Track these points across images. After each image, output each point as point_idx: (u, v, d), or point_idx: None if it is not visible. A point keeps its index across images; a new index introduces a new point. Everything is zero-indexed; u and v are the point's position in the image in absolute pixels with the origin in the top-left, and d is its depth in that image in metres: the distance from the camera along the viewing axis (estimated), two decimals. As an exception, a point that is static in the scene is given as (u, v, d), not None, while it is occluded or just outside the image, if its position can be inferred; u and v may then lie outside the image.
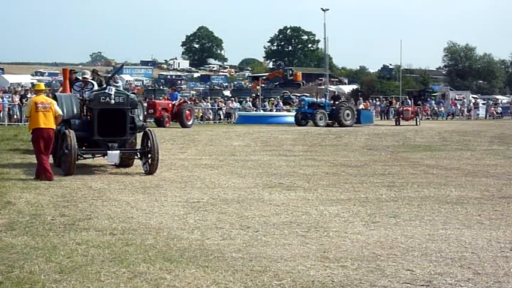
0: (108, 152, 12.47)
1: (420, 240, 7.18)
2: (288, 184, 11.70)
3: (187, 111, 29.20)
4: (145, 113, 27.62)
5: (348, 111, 31.85)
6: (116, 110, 12.70)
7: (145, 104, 26.65)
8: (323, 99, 33.68)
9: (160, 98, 32.42)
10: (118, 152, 12.53)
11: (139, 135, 13.64)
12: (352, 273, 5.82)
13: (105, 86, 13.53)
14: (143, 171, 12.85)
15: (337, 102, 33.15)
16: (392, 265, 6.10)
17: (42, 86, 13.10)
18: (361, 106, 38.39)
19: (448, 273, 5.83)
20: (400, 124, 34.09)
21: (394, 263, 6.18)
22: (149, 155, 12.68)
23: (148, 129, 13.10)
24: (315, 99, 33.53)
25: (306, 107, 32.64)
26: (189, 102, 34.62)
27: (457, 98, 55.55)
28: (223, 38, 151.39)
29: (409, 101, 40.58)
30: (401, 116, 35.33)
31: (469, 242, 7.09)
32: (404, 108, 36.28)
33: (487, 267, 6.09)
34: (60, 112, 12.14)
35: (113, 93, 12.68)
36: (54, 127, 11.86)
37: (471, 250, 6.74)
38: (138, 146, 13.46)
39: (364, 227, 7.91)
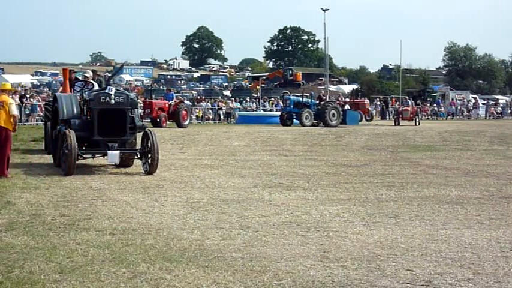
0: (108, 152, 12.47)
1: (420, 240, 7.18)
2: (288, 184, 11.70)
3: (184, 111, 29.24)
4: (142, 113, 27.72)
5: (333, 111, 31.61)
6: (116, 110, 12.70)
7: (140, 104, 26.78)
8: (309, 99, 33.25)
9: (158, 98, 32.43)
10: (118, 152, 12.53)
11: (139, 135, 13.64)
12: (352, 273, 5.82)
13: (105, 86, 13.53)
14: (143, 171, 12.86)
15: (322, 102, 32.84)
16: (392, 265, 6.10)
17: (8, 86, 12.94)
18: (347, 106, 38.41)
19: (448, 273, 5.83)
20: (400, 124, 34.01)
21: (394, 263, 6.18)
22: (149, 155, 12.68)
23: (148, 129, 13.11)
24: (300, 99, 33.05)
25: (292, 106, 32.25)
26: (188, 103, 34.60)
27: (457, 98, 55.51)
28: (223, 38, 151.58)
29: (409, 101, 40.49)
30: (401, 116, 35.20)
31: (469, 242, 7.09)
32: (404, 108, 36.09)
33: (487, 267, 6.09)
34: (15, 113, 12.18)
35: (113, 93, 12.69)
36: (4, 125, 11.88)
37: (471, 250, 6.74)
38: (138, 146, 13.46)
39: (364, 227, 7.91)
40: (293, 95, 35.36)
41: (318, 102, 33.16)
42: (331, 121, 31.17)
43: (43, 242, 6.81)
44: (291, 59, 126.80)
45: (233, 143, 20.96)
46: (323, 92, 41.11)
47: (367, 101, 43.52)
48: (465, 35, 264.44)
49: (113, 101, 12.61)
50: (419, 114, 37.07)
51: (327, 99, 35.20)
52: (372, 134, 25.81)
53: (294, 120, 31.87)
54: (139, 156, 12.99)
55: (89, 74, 15.42)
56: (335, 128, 29.28)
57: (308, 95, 34.63)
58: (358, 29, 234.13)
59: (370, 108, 40.91)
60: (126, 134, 12.91)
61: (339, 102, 39.19)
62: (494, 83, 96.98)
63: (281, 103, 45.91)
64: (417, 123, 34.13)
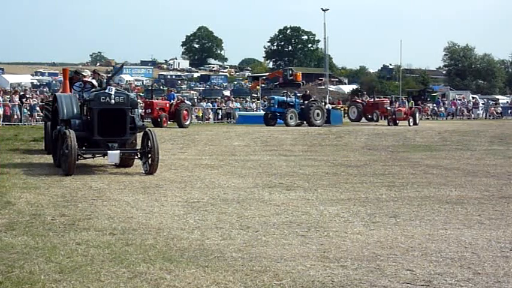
0: (108, 152, 12.45)
1: (420, 240, 7.18)
2: (288, 184, 11.70)
3: (185, 111, 29.24)
4: (143, 113, 27.73)
5: (318, 111, 31.45)
6: (116, 110, 12.67)
7: (141, 104, 26.80)
8: (293, 98, 32.85)
9: (159, 98, 32.41)
10: (118, 152, 12.51)
11: (139, 135, 13.63)
12: (352, 273, 5.82)
13: (105, 86, 13.50)
14: (143, 171, 12.85)
15: (306, 102, 32.56)
16: (392, 265, 6.09)
17: None
18: (328, 106, 38.25)
19: (448, 273, 5.83)
20: (397, 124, 33.53)
21: (394, 263, 6.18)
22: (149, 155, 12.67)
23: (149, 129, 13.09)
24: (284, 98, 32.66)
25: (276, 106, 31.92)
26: (189, 103, 34.59)
27: (457, 98, 55.52)
28: (223, 38, 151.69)
29: (405, 102, 40.25)
30: (394, 116, 34.40)
31: (469, 242, 7.09)
32: (397, 109, 35.35)
33: (487, 267, 6.09)
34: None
35: (113, 93, 12.67)
36: None
37: (471, 250, 6.73)
38: (138, 146, 13.45)
39: (364, 227, 7.91)
40: (293, 95, 35.22)
41: (302, 101, 32.80)
42: (316, 120, 31.05)
43: (43, 242, 6.81)
44: (291, 59, 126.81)
45: (233, 143, 20.96)
46: (308, 91, 40.38)
47: (386, 100, 42.19)
48: (465, 35, 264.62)
49: (113, 101, 12.59)
50: (417, 114, 36.24)
51: (313, 99, 34.71)
52: (372, 134, 25.80)
53: (278, 120, 31.53)
54: (139, 156, 12.98)
55: (87, 73, 15.38)
56: (335, 128, 29.22)
57: (292, 94, 34.39)
58: (358, 29, 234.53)
59: (389, 108, 40.35)
60: (126, 134, 12.90)
61: (361, 102, 38.75)
62: (494, 83, 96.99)
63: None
64: (411, 124, 33.31)
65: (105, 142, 12.64)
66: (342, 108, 50.58)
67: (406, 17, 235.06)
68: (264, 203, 9.52)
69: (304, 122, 31.52)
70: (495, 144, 22.54)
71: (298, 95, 34.47)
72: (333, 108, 39.11)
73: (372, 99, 39.11)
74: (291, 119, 30.78)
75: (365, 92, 46.15)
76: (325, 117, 31.83)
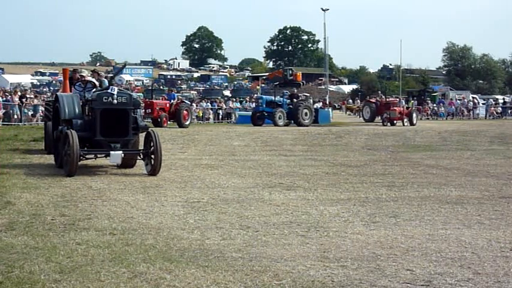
0: (110, 152, 12.36)
1: (420, 240, 7.18)
2: (288, 184, 11.70)
3: (185, 111, 29.25)
4: (143, 113, 27.70)
5: (306, 110, 31.37)
6: (119, 110, 12.59)
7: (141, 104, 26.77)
8: (281, 98, 32.62)
9: (160, 98, 32.42)
10: (120, 152, 12.42)
11: (141, 136, 13.59)
12: (352, 273, 5.82)
13: (107, 86, 13.46)
14: (145, 172, 12.82)
15: (295, 101, 32.38)
16: (393, 265, 6.10)
17: None
18: (316, 105, 38.15)
19: (448, 273, 5.83)
20: (392, 124, 33.16)
21: (394, 263, 6.18)
22: (152, 156, 12.61)
23: (151, 130, 13.04)
24: (273, 98, 32.50)
25: (264, 106, 31.73)
26: (188, 102, 34.58)
27: (457, 98, 55.45)
28: (223, 38, 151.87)
29: (402, 101, 40.07)
30: (389, 115, 34.01)
31: (469, 242, 7.09)
32: (391, 108, 34.78)
33: (487, 267, 6.09)
34: None
35: (115, 93, 12.61)
36: None
37: (471, 250, 6.74)
38: (141, 147, 13.40)
39: (364, 227, 7.91)
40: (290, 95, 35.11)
41: (289, 101, 32.50)
42: (304, 120, 30.99)
43: (43, 242, 6.81)
44: (291, 59, 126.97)
45: (233, 143, 20.95)
46: (296, 90, 40.17)
47: (397, 100, 41.37)
48: (464, 35, 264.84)
49: (115, 101, 12.51)
50: (414, 115, 35.53)
51: (301, 98, 34.47)
52: (372, 134, 25.79)
53: (266, 120, 31.33)
54: (142, 157, 12.93)
55: (85, 73, 15.36)
56: (335, 128, 29.19)
57: (282, 93, 34.21)
58: (358, 29, 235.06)
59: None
60: (129, 135, 12.81)
61: (375, 101, 38.52)
62: (494, 83, 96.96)
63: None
64: (405, 124, 32.85)
65: (107, 142, 12.57)
66: (358, 108, 50.48)
67: (406, 17, 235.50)
68: (264, 203, 9.52)
69: (292, 122, 31.43)
70: (495, 144, 22.53)
71: (286, 94, 34.36)
72: (328, 107, 38.90)
73: (385, 99, 38.75)
74: (279, 118, 30.64)
75: (379, 91, 45.80)
76: (313, 116, 31.78)
